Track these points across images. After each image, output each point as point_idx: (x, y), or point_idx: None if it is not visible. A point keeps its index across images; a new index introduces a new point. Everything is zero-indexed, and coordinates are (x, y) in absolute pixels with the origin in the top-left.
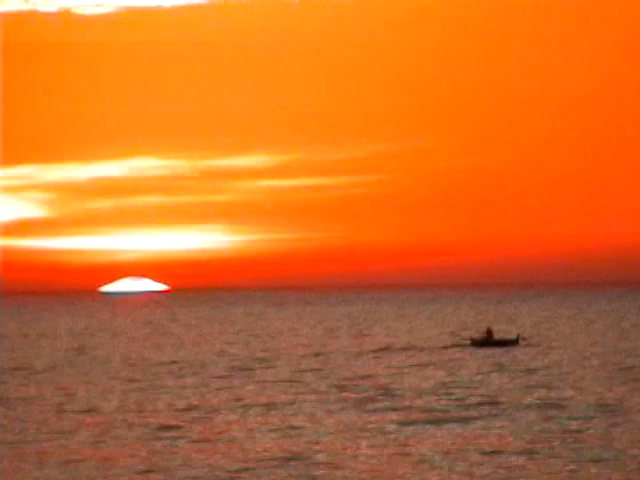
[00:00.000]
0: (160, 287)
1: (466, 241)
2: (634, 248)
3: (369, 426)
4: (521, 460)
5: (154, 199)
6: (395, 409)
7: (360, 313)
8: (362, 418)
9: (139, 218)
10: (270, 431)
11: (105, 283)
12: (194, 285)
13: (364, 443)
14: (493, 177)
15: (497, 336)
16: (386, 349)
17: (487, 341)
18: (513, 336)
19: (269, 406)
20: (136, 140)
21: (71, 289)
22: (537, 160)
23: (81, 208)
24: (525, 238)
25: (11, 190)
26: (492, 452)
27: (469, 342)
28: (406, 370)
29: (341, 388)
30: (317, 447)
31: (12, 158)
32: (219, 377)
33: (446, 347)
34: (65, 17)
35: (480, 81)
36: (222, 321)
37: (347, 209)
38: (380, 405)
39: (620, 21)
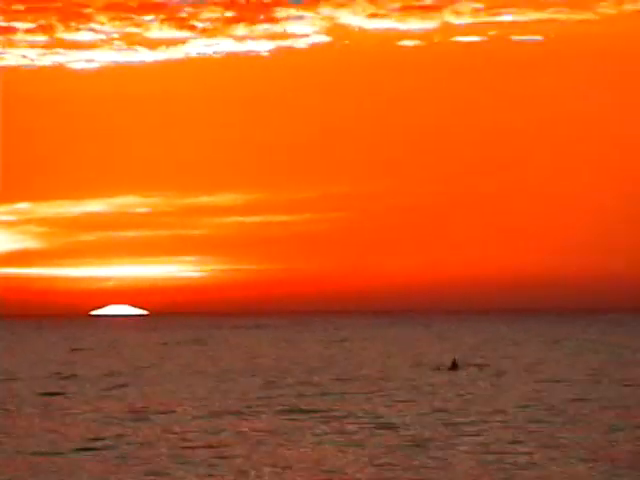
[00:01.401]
0: (140, 311)
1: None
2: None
3: None
4: None
5: (135, 233)
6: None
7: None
8: None
9: (122, 250)
10: None
11: (92, 307)
12: (170, 310)
13: None
14: (429, 213)
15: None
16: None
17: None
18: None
19: None
20: (119, 181)
21: (62, 312)
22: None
23: (71, 240)
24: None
25: (9, 225)
26: None
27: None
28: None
29: None
30: None
31: (10, 196)
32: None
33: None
34: (58, 71)
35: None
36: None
37: (307, 242)
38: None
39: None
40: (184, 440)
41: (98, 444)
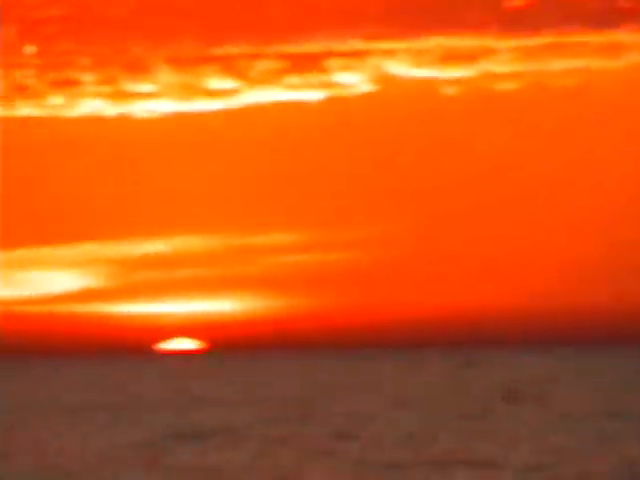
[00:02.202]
0: (199, 345)
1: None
2: None
3: None
4: None
5: (194, 271)
6: None
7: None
8: None
9: (182, 288)
10: None
11: (156, 342)
12: (230, 344)
13: None
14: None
15: None
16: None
17: None
18: None
19: None
20: (179, 222)
21: (126, 347)
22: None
23: (133, 279)
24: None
25: (75, 264)
26: None
27: None
28: None
29: None
30: None
31: (78, 236)
32: None
33: None
34: (122, 120)
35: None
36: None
37: (355, 279)
38: None
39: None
40: None
41: None
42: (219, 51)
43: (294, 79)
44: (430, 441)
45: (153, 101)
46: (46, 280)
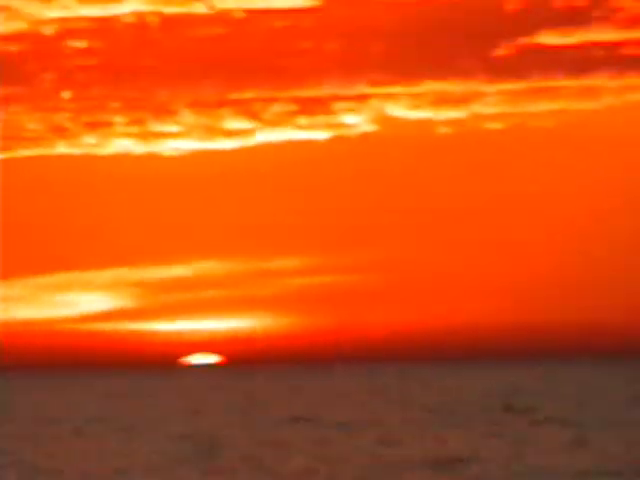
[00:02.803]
0: (219, 359)
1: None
2: None
3: None
4: None
5: (214, 293)
6: None
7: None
8: None
9: (203, 308)
10: None
11: (179, 357)
12: (244, 358)
13: None
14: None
15: None
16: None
17: None
18: None
19: None
20: (200, 248)
21: (153, 360)
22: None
23: (159, 300)
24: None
25: (107, 287)
26: None
27: None
28: None
29: None
30: None
31: (108, 262)
32: None
33: None
34: (150, 158)
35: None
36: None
37: (353, 300)
38: None
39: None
40: None
41: None
42: (236, 95)
43: (304, 120)
44: (435, 442)
45: (177, 140)
46: (79, 301)
